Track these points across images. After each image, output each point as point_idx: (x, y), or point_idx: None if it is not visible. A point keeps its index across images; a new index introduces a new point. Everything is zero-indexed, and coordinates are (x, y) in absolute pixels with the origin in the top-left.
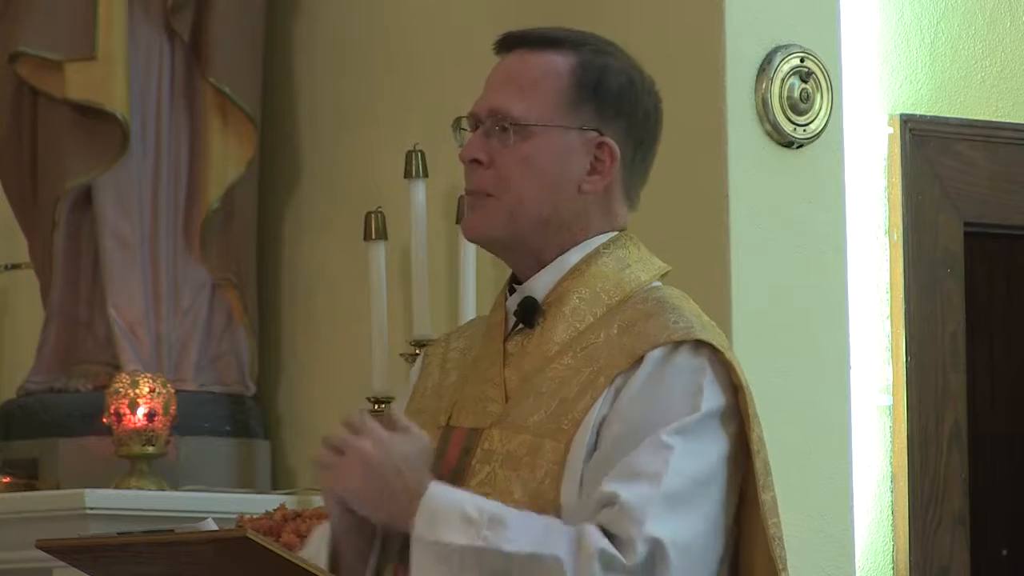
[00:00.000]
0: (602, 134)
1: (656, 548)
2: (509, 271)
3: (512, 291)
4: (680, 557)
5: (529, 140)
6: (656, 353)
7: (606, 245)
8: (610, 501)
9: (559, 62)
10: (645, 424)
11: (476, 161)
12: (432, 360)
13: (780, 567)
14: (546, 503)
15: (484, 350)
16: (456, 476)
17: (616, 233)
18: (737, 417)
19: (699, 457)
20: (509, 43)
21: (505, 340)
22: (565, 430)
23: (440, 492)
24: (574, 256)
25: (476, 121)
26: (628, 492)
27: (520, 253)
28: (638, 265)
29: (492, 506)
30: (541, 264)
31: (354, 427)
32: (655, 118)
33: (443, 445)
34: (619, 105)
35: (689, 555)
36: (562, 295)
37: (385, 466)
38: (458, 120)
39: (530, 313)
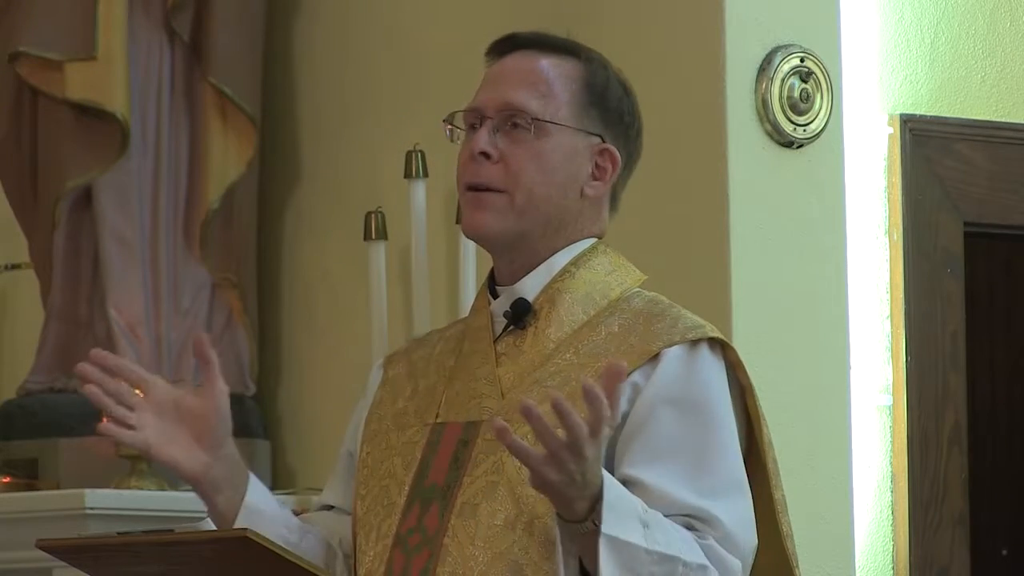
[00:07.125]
0: (604, 141)
1: (748, 556)
2: (486, 275)
3: (495, 295)
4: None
5: (544, 138)
6: (675, 351)
7: (591, 250)
8: (706, 518)
9: (571, 67)
10: (696, 420)
11: (483, 155)
12: (397, 369)
13: (794, 563)
14: None
15: (471, 349)
16: (456, 466)
17: (596, 240)
18: (745, 416)
19: (739, 456)
20: (514, 44)
21: (494, 342)
22: None
23: (613, 484)
24: (562, 258)
25: (480, 116)
26: (724, 511)
27: (518, 251)
28: (622, 270)
29: (643, 505)
30: (532, 264)
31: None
32: (641, 137)
33: (435, 439)
34: (619, 116)
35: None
36: (553, 296)
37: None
38: (453, 114)
39: (522, 314)
